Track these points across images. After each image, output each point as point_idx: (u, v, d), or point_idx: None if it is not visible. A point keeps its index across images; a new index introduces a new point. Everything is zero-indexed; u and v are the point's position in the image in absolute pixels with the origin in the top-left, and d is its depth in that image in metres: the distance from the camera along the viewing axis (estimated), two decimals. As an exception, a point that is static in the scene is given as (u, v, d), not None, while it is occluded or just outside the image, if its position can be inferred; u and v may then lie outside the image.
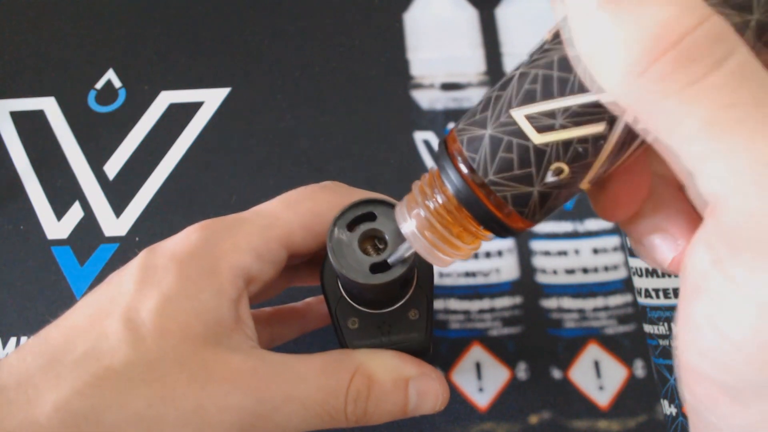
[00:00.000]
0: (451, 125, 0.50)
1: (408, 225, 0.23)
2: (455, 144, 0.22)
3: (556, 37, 0.20)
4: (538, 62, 0.20)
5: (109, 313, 0.25)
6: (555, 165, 0.20)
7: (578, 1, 0.16)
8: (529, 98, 0.19)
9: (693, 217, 0.22)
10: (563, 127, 0.19)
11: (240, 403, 0.24)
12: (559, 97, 0.19)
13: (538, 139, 0.19)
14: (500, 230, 0.22)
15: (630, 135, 0.19)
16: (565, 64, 0.19)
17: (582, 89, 0.18)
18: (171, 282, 0.25)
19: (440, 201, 0.22)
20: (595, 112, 0.18)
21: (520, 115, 0.20)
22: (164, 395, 0.23)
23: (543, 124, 0.19)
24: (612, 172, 0.21)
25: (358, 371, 0.27)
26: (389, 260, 0.27)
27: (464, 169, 0.21)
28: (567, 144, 0.19)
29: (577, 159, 0.19)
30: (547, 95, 0.19)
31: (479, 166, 0.21)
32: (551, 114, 0.19)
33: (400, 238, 0.27)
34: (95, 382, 0.23)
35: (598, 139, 0.19)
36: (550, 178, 0.20)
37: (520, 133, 0.20)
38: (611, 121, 0.18)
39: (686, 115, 0.15)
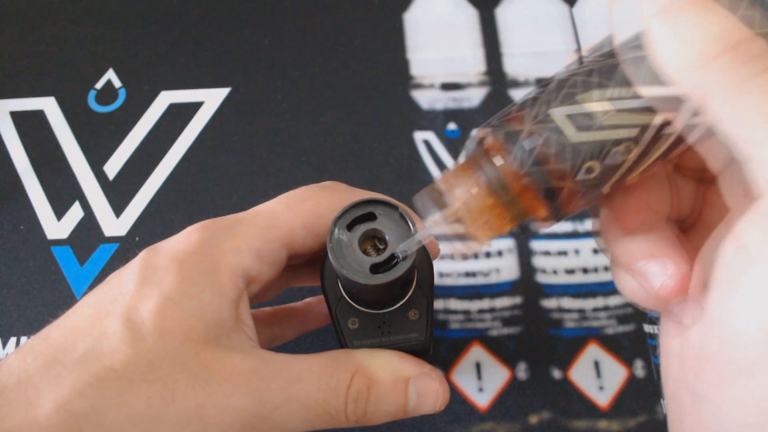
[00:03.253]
0: (451, 125, 0.50)
1: (436, 212, 0.24)
2: (489, 138, 0.22)
3: (594, 52, 0.22)
4: (577, 71, 0.21)
5: (109, 313, 0.25)
6: (588, 163, 0.21)
7: (652, 11, 0.19)
8: (569, 100, 0.21)
9: (680, 246, 0.24)
10: (601, 128, 0.20)
11: (240, 404, 0.24)
12: (599, 101, 0.20)
13: (576, 137, 0.21)
14: (525, 223, 0.23)
15: (654, 143, 0.21)
16: (605, 73, 0.21)
17: (620, 96, 0.20)
18: (172, 282, 0.25)
19: (474, 191, 0.23)
20: (631, 118, 0.20)
21: (560, 114, 0.21)
22: (165, 395, 0.23)
23: (582, 123, 0.21)
24: (627, 183, 0.22)
25: (359, 371, 0.27)
26: (397, 250, 0.27)
27: (499, 161, 0.22)
28: (602, 145, 0.21)
29: (608, 159, 0.21)
30: (587, 99, 0.21)
31: (516, 158, 0.21)
32: (590, 116, 0.21)
33: (401, 238, 0.27)
34: (96, 383, 0.23)
35: (630, 144, 0.21)
36: (582, 175, 0.21)
37: (559, 131, 0.21)
38: (643, 129, 0.20)
39: (748, 102, 0.17)
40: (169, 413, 0.23)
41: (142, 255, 0.27)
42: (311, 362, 0.27)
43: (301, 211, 0.29)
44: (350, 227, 0.28)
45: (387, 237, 0.28)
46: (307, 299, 0.40)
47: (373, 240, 0.28)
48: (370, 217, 0.28)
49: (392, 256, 0.27)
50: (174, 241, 0.27)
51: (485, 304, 0.44)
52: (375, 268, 0.27)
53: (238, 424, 0.24)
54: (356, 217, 0.28)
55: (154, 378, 0.23)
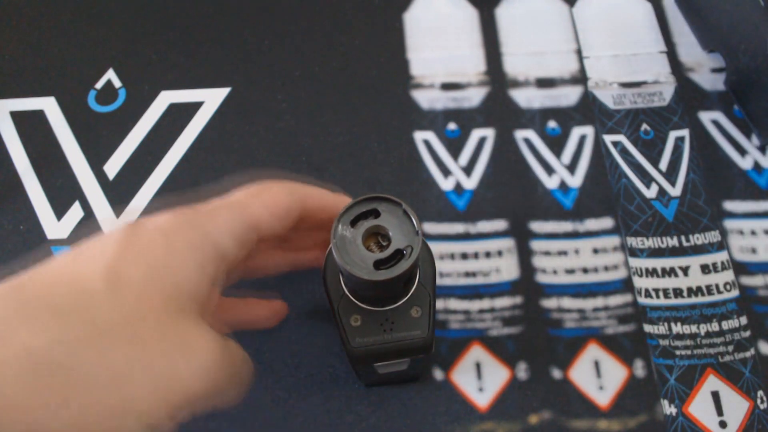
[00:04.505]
0: (451, 125, 0.50)
1: None
2: None
3: None
4: None
5: (92, 273, 0.25)
6: None
7: None
8: None
9: None
10: None
11: (206, 376, 0.26)
12: None
13: None
14: None
15: None
16: None
17: None
18: (158, 253, 0.27)
19: None
20: None
21: None
22: (142, 358, 0.24)
23: None
24: None
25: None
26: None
27: None
28: None
29: None
30: None
31: None
32: None
33: (404, 234, 0.28)
34: (75, 334, 0.23)
35: None
36: None
37: None
38: None
39: None
40: (144, 376, 0.24)
41: (127, 226, 0.28)
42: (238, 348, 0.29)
43: (263, 199, 0.32)
44: (354, 224, 0.28)
45: (390, 233, 0.28)
46: (251, 299, 0.40)
47: (377, 236, 0.28)
48: (374, 213, 0.28)
49: (396, 253, 0.27)
50: (159, 218, 0.28)
51: (485, 304, 0.44)
52: (378, 265, 0.27)
53: (201, 394, 0.26)
54: (360, 213, 0.28)
55: (133, 340, 0.24)
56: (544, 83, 0.52)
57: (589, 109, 0.51)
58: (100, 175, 0.49)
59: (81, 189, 0.48)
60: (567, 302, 0.44)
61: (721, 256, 0.45)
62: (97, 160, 0.49)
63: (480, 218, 0.47)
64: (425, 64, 0.53)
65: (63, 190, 0.48)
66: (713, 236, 0.46)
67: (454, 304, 0.44)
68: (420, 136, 0.50)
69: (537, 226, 0.47)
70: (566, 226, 0.47)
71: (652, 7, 0.56)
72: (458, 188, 0.48)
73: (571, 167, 0.49)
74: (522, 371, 0.42)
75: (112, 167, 0.49)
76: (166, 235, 0.27)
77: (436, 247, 0.45)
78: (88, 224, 0.47)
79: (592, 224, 0.46)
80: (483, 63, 0.53)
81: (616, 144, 0.49)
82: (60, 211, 0.47)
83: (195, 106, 0.51)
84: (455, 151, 0.49)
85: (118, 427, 0.23)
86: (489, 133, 0.50)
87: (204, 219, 0.29)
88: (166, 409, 0.24)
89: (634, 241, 0.46)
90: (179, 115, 0.51)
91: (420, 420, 0.41)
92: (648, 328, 0.43)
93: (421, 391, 0.42)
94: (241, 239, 0.30)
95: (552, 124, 0.50)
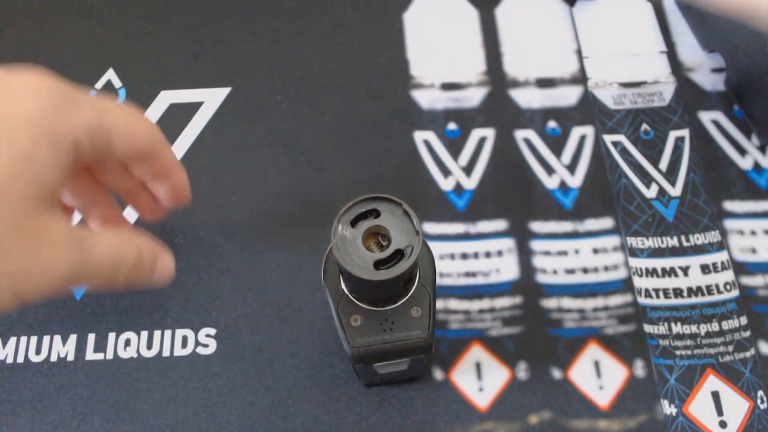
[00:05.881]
0: (451, 125, 0.50)
1: None
2: None
3: None
4: None
5: None
6: None
7: None
8: None
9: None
10: None
11: (60, 267, 0.27)
12: None
13: None
14: None
15: None
16: None
17: None
18: (22, 144, 0.27)
19: None
20: None
21: None
22: None
23: None
24: None
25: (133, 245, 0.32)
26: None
27: None
28: None
29: None
30: None
31: None
32: None
33: (405, 234, 0.28)
34: None
35: None
36: None
37: None
38: None
39: None
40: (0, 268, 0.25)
41: None
42: (102, 237, 0.31)
43: (131, 119, 0.32)
44: (354, 224, 0.28)
45: (390, 233, 0.28)
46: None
47: (377, 236, 0.28)
48: (374, 213, 0.28)
49: (396, 253, 0.27)
50: (26, 96, 0.28)
51: (485, 304, 0.44)
52: (378, 265, 0.27)
53: (56, 285, 0.27)
54: (360, 213, 0.28)
55: None
56: (544, 83, 0.52)
57: (589, 109, 0.51)
58: (100, 175, 0.49)
59: (81, 189, 0.48)
60: (567, 302, 0.44)
61: (721, 256, 0.45)
62: (97, 160, 0.49)
63: (480, 218, 0.47)
64: (425, 64, 0.53)
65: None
66: (713, 236, 0.46)
67: (454, 304, 0.44)
68: (420, 136, 0.50)
69: (537, 226, 0.47)
70: (566, 226, 0.47)
71: (652, 7, 0.56)
72: (458, 188, 0.48)
73: (571, 167, 0.49)
74: (522, 371, 0.42)
75: (112, 167, 0.49)
76: (31, 124, 0.27)
77: (436, 247, 0.45)
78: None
79: (592, 224, 0.46)
80: (483, 63, 0.53)
81: (616, 144, 0.49)
82: (60, 211, 0.47)
83: (195, 106, 0.51)
84: (455, 151, 0.49)
85: None
86: (489, 133, 0.50)
87: (68, 105, 0.29)
88: (15, 300, 0.26)
89: (634, 241, 0.46)
90: (179, 115, 0.51)
91: (420, 420, 0.41)
92: (648, 328, 0.43)
93: (421, 391, 0.42)
94: (94, 141, 0.30)
95: (552, 124, 0.50)
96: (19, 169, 0.26)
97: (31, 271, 0.26)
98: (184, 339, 0.43)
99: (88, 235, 0.30)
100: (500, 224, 0.47)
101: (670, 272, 0.45)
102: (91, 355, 0.43)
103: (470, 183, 0.48)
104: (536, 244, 0.46)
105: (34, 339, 0.43)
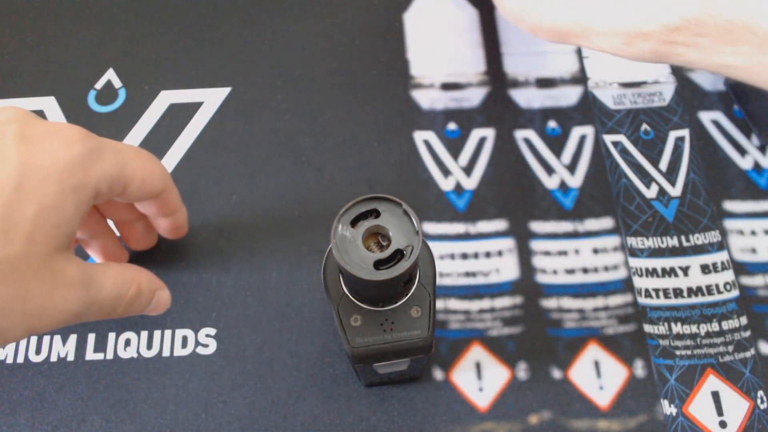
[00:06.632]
0: (451, 125, 0.50)
1: None
2: None
3: None
4: None
5: None
6: None
7: None
8: None
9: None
10: None
11: (71, 307, 0.30)
12: None
13: None
14: None
15: None
16: None
17: None
18: (50, 193, 0.28)
19: None
20: None
21: None
22: (18, 295, 0.27)
23: None
24: None
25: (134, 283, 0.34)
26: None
27: None
28: None
29: None
30: None
31: None
32: None
33: (405, 234, 0.28)
34: None
35: None
36: None
37: None
38: None
39: None
40: (18, 309, 0.27)
41: (23, 149, 0.29)
42: (107, 274, 0.32)
43: (146, 166, 0.34)
44: (354, 223, 0.28)
45: (390, 233, 0.28)
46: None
47: (377, 236, 0.29)
48: (374, 213, 0.28)
49: (396, 253, 0.27)
50: (58, 150, 0.29)
51: (485, 304, 0.44)
52: (378, 265, 0.27)
53: (64, 321, 0.30)
54: (360, 213, 0.28)
55: (14, 279, 0.27)
56: (544, 83, 0.52)
57: (589, 109, 0.51)
58: (100, 175, 0.49)
59: (81, 189, 0.48)
60: (567, 302, 0.44)
61: (721, 256, 0.45)
62: (97, 160, 0.49)
63: (480, 218, 0.47)
64: (425, 64, 0.53)
65: (63, 190, 0.48)
66: (713, 236, 0.46)
67: (454, 304, 0.44)
68: (420, 136, 0.50)
69: (537, 226, 0.47)
70: (566, 226, 0.47)
71: (652, 7, 0.56)
72: (458, 188, 0.48)
73: (571, 167, 0.49)
74: (522, 371, 0.42)
75: (112, 167, 0.49)
76: (61, 174, 0.29)
77: (436, 247, 0.45)
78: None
79: (592, 224, 0.46)
80: (483, 63, 0.53)
81: (616, 144, 0.49)
82: (60, 211, 0.47)
83: (195, 106, 0.51)
84: (455, 151, 0.49)
85: None
86: (489, 133, 0.50)
87: (95, 157, 0.30)
88: (26, 333, 0.28)
89: (634, 241, 0.46)
90: (179, 115, 0.51)
91: (420, 420, 0.41)
92: (648, 328, 0.43)
93: (421, 391, 0.42)
94: (112, 188, 0.32)
95: (552, 124, 0.50)
96: (45, 218, 0.28)
97: (46, 309, 0.28)
98: (184, 339, 0.43)
99: (95, 272, 0.31)
100: (500, 224, 0.47)
101: (670, 272, 0.45)
102: (91, 355, 0.43)
103: (470, 183, 0.48)
104: (536, 244, 0.46)
105: (34, 339, 0.43)
